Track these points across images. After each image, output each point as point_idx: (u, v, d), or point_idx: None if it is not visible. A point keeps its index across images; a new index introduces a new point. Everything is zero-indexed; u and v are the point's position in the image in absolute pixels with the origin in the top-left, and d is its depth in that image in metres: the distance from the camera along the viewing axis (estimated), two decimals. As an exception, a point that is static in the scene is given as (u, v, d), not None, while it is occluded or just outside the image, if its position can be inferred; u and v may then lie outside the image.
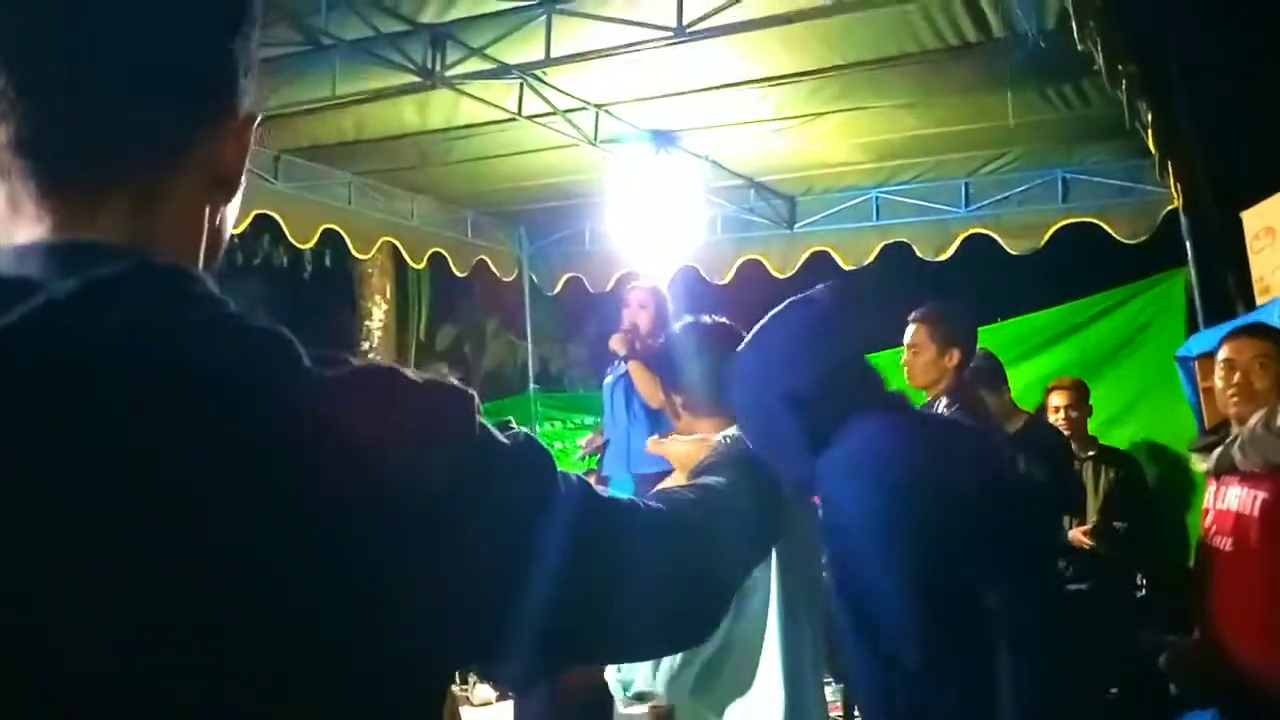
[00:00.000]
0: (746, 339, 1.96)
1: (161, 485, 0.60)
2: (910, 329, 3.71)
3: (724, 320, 2.24)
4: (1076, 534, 4.48)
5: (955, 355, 3.60)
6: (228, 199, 0.79)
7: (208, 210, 0.76)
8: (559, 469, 0.81)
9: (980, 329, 5.91)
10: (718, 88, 4.70)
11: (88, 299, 0.61)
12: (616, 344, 4.89)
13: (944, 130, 5.22)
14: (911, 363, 3.71)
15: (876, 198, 6.43)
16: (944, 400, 3.59)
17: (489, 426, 0.75)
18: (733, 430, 1.95)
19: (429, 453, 0.69)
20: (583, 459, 5.09)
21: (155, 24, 0.71)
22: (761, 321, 1.93)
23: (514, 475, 0.75)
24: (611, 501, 0.90)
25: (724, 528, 1.03)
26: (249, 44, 0.77)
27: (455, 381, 0.76)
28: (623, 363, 4.99)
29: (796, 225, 6.72)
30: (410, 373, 0.72)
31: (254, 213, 5.60)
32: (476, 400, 0.74)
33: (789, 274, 6.73)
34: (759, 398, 1.89)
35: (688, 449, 1.64)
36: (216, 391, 0.63)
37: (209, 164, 0.75)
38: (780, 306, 1.95)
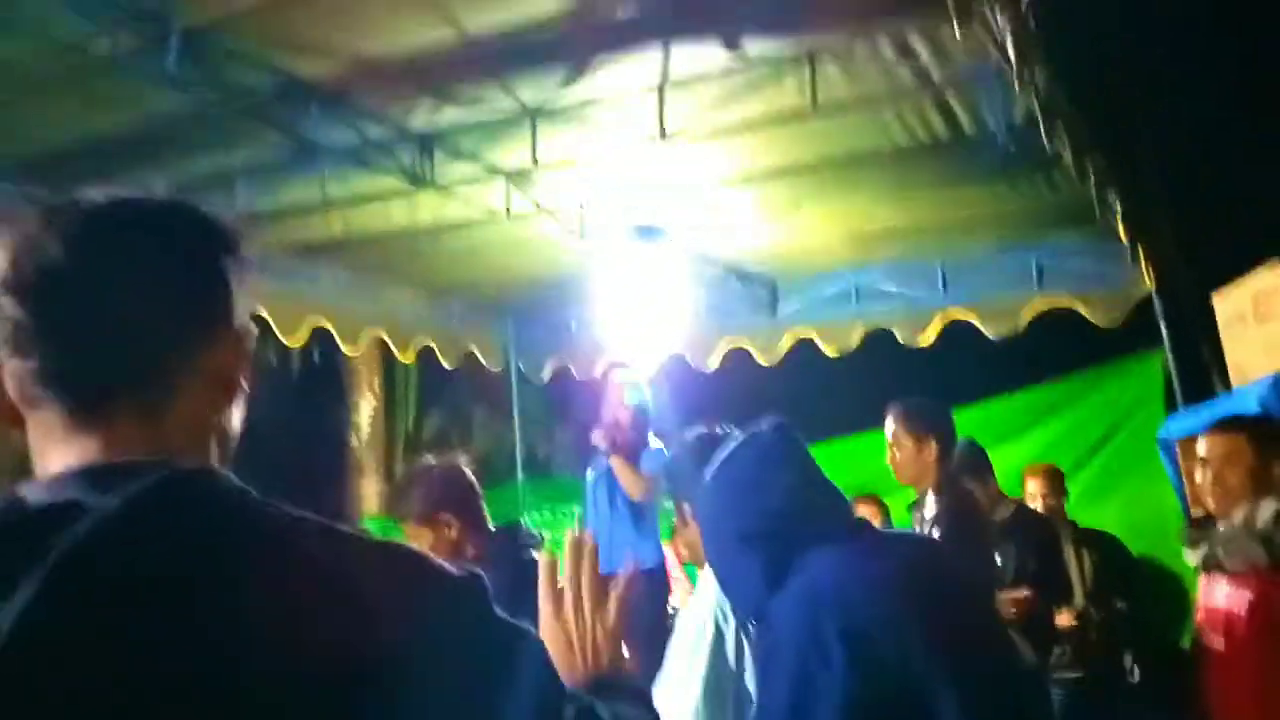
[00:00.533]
0: (717, 468, 2.01)
1: (230, 655, 0.71)
2: (887, 425, 3.79)
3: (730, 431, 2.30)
4: (1065, 619, 4.49)
5: (932, 446, 3.66)
6: (231, 400, 0.90)
7: (215, 412, 0.88)
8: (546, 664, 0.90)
9: (960, 409, 6.02)
10: (696, 185, 4.83)
11: (132, 513, 0.71)
12: (599, 439, 4.95)
13: (919, 219, 5.36)
14: (893, 459, 3.77)
15: (855, 285, 6.54)
16: (931, 497, 3.64)
17: (497, 615, 0.80)
18: None
19: (438, 627, 0.77)
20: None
21: (152, 268, 0.85)
22: (713, 462, 2.00)
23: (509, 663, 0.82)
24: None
25: None
26: (240, 266, 0.90)
27: (470, 571, 0.81)
28: (604, 457, 5.02)
29: (779, 312, 6.81)
30: (433, 558, 0.83)
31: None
32: (489, 589, 0.80)
33: (774, 363, 6.81)
34: (715, 538, 1.98)
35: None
36: (259, 572, 0.73)
37: (212, 372, 0.87)
38: (729, 448, 2.02)
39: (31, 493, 0.78)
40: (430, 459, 3.13)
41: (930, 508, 3.67)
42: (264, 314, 5.75)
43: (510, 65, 3.58)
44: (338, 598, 0.75)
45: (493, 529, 3.02)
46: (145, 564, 0.70)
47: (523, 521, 3.21)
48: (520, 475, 8.04)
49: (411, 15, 3.24)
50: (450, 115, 4.04)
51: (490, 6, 3.22)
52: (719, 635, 2.23)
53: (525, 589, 2.97)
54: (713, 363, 6.96)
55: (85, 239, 0.84)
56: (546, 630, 1.28)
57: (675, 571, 6.66)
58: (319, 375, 8.42)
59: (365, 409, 8.31)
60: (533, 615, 2.87)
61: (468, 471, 3.05)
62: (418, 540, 2.86)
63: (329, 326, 6.20)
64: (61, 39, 3.31)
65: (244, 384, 0.91)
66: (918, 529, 3.72)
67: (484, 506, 3.03)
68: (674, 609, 6.24)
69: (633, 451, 4.99)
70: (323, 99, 3.76)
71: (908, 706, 1.66)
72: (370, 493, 8.05)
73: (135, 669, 0.68)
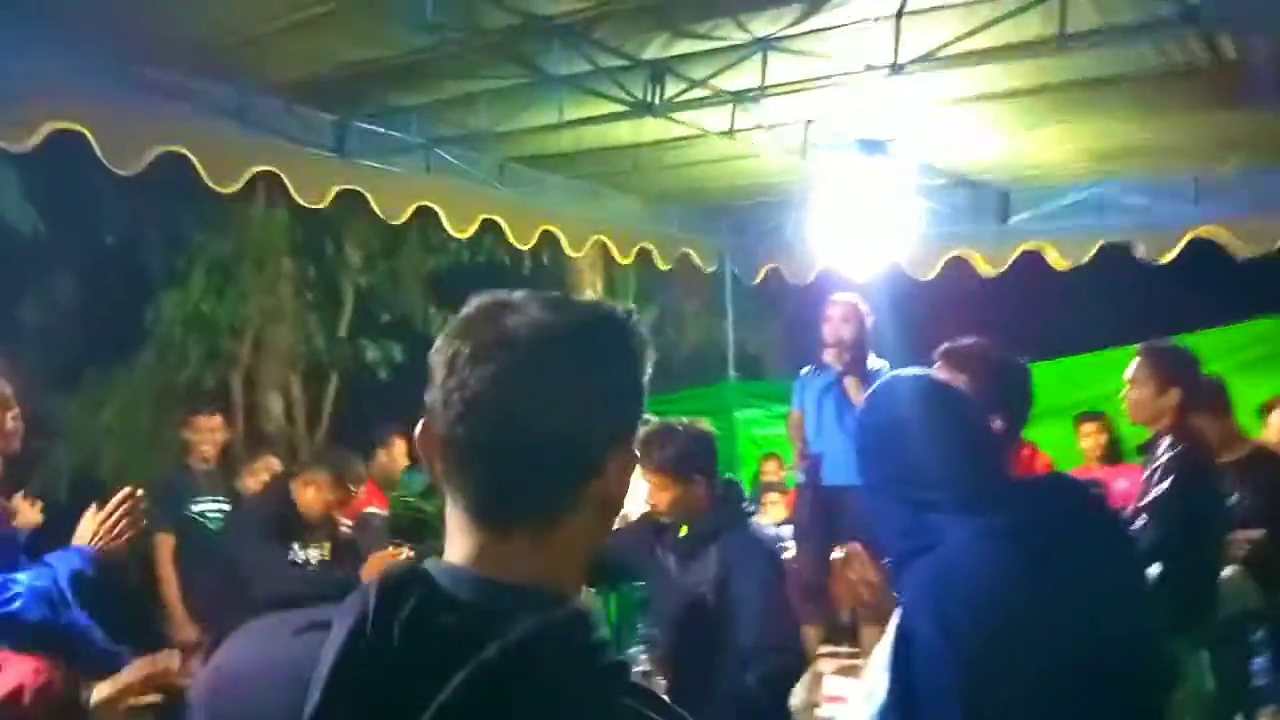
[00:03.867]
0: (861, 409, 2.02)
1: None
2: (1132, 363, 3.66)
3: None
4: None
5: (1174, 394, 3.54)
6: (614, 517, 0.95)
7: (598, 534, 0.94)
8: None
9: (1200, 334, 5.69)
10: (930, 104, 4.70)
11: (529, 650, 0.83)
12: (832, 358, 5.00)
13: (1168, 139, 5.02)
14: (1129, 397, 3.67)
15: (1096, 194, 6.21)
16: (1167, 441, 3.56)
17: None
18: None
19: None
20: (805, 478, 5.19)
21: (577, 393, 0.90)
22: (872, 389, 1.99)
23: None
24: None
25: None
26: (634, 397, 0.94)
27: None
28: (826, 374, 5.09)
29: (1009, 220, 6.57)
30: None
31: (480, 217, 6.02)
32: None
33: (999, 271, 6.61)
34: (866, 471, 1.99)
35: None
36: None
37: (600, 495, 0.92)
38: (887, 377, 1.98)
39: (444, 580, 0.87)
40: (680, 420, 3.33)
41: (1163, 454, 3.58)
42: (499, 220, 6.13)
43: (746, 2, 3.59)
44: None
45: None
46: (515, 702, 0.80)
47: (740, 484, 3.49)
48: (732, 373, 8.24)
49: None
50: (682, 46, 4.09)
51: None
52: None
53: (755, 547, 3.18)
54: (932, 273, 6.82)
55: (508, 362, 0.87)
56: None
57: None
58: (545, 274, 8.82)
59: (588, 308, 8.67)
60: (763, 572, 3.10)
61: (712, 434, 3.29)
62: (665, 490, 3.12)
63: (557, 231, 6.52)
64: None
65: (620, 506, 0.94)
66: (1146, 473, 3.65)
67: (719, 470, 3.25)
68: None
69: (861, 370, 5.02)
70: (564, 35, 3.90)
71: (1021, 698, 1.68)
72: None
73: None
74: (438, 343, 0.93)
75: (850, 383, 4.94)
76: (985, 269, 6.67)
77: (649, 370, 0.94)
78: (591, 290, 8.60)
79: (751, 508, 3.36)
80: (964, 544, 1.77)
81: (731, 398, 8.16)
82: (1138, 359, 3.66)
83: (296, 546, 4.17)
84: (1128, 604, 1.89)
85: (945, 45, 3.73)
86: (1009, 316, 8.20)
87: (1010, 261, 6.57)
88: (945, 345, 2.54)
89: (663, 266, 7.42)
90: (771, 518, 6.59)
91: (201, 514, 5.21)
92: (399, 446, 5.88)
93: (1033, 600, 1.74)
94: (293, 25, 3.96)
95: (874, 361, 5.12)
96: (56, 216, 6.82)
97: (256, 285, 7.75)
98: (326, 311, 8.45)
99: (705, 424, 3.32)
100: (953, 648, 1.71)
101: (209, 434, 5.31)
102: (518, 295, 0.94)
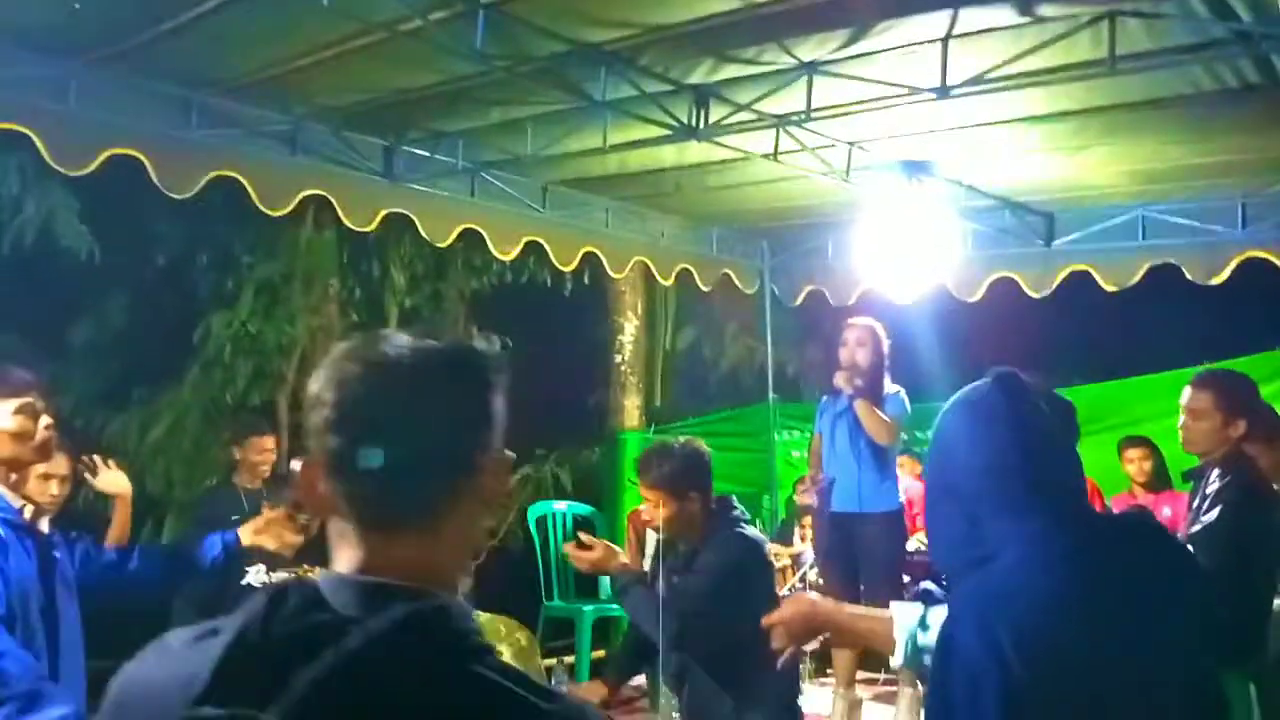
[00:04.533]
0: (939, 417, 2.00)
1: None
2: (1190, 392, 3.56)
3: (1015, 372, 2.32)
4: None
5: (1240, 426, 3.45)
6: (486, 512, 1.09)
7: (477, 529, 1.08)
8: None
9: (1252, 358, 5.59)
10: (976, 126, 4.69)
11: (389, 638, 0.94)
12: (842, 382, 4.96)
13: (1218, 159, 4.97)
14: (1190, 427, 3.55)
15: (1142, 216, 6.15)
16: (1217, 470, 3.49)
17: None
18: None
19: None
20: (808, 499, 5.18)
21: (438, 408, 1.04)
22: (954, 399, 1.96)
23: None
24: None
25: None
26: (493, 410, 1.08)
27: None
28: (844, 399, 5.06)
29: (1054, 242, 6.52)
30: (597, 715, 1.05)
31: (524, 239, 6.08)
32: None
33: (1044, 294, 6.56)
34: (929, 482, 2.00)
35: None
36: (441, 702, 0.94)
37: (472, 501, 1.06)
38: (959, 393, 1.96)
39: (327, 588, 1.00)
40: (676, 439, 3.47)
41: (1214, 483, 3.52)
42: (542, 241, 6.19)
43: (793, 27, 3.61)
44: None
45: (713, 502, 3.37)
46: (375, 685, 0.92)
47: (733, 498, 3.53)
48: (771, 395, 8.22)
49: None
50: (728, 71, 4.12)
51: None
52: None
53: (751, 561, 3.21)
54: (978, 294, 6.78)
55: (386, 380, 1.03)
56: None
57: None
58: (587, 295, 8.87)
59: (628, 329, 8.70)
60: (757, 587, 3.12)
61: (707, 452, 3.43)
62: (661, 506, 3.27)
63: (598, 252, 6.57)
64: (379, 16, 3.63)
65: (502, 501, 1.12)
66: (1194, 501, 3.59)
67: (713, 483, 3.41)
68: (922, 543, 6.31)
69: (875, 395, 4.99)
70: (610, 61, 3.94)
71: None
72: (632, 406, 8.48)
73: None
74: (316, 374, 1.06)
75: (861, 407, 4.90)
76: (1031, 291, 6.62)
77: (502, 390, 1.09)
78: (632, 311, 8.65)
79: (740, 514, 3.42)
80: (1015, 562, 1.75)
81: (770, 420, 8.14)
82: (1198, 389, 3.56)
83: None
84: (1185, 638, 1.85)
85: (994, 68, 3.72)
86: (1055, 338, 8.15)
87: (1056, 283, 6.51)
88: (993, 373, 2.51)
89: (703, 287, 7.44)
90: (809, 541, 6.57)
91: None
92: None
93: (1084, 623, 1.71)
94: (344, 54, 4.05)
95: (889, 386, 5.09)
96: (110, 238, 6.97)
97: (304, 306, 7.86)
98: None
99: (700, 443, 3.45)
100: (995, 661, 1.67)
101: (265, 454, 5.37)
102: (387, 331, 1.10)
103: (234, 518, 5.21)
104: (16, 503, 2.51)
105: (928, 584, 6.33)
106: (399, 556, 1.01)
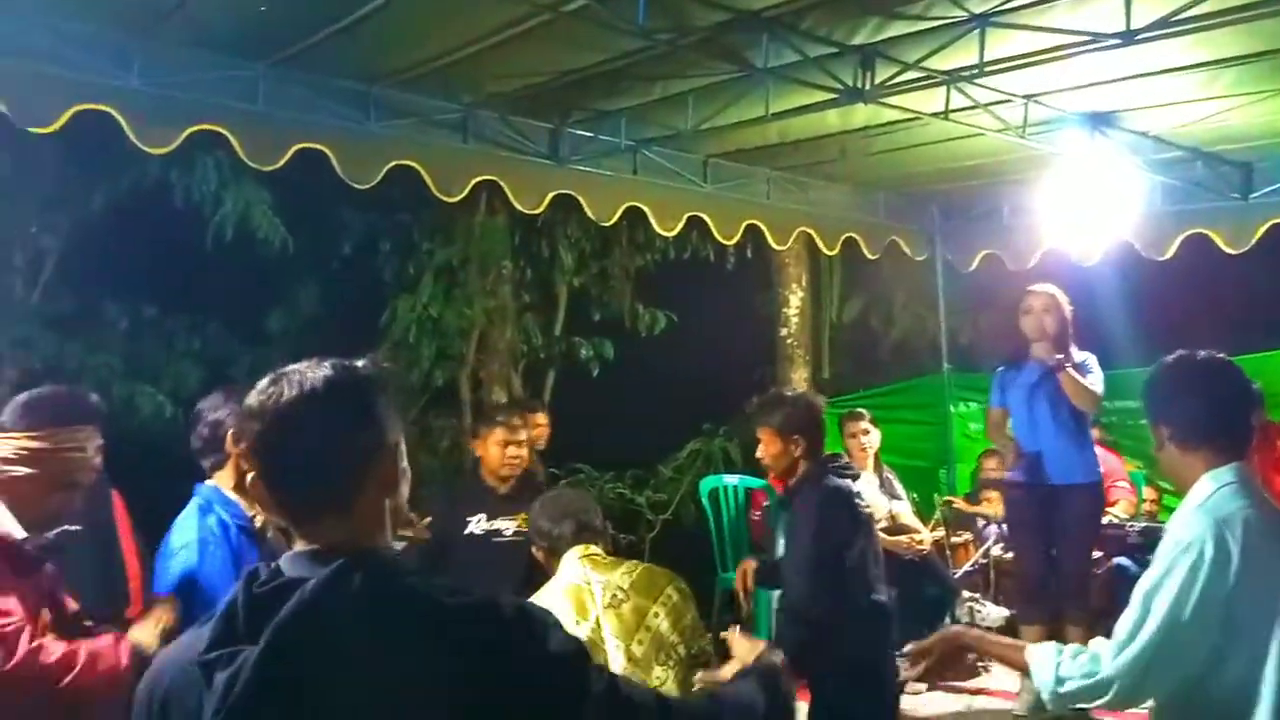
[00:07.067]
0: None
1: (394, 681, 1.23)
2: None
3: (1218, 355, 2.26)
4: None
5: None
6: (395, 493, 1.41)
7: (386, 503, 1.40)
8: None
9: None
10: (1161, 72, 4.40)
11: (325, 581, 1.26)
12: (1043, 352, 4.81)
13: None
14: None
15: (1354, 163, 5.64)
16: None
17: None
18: (1211, 474, 2.14)
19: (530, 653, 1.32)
20: (999, 474, 5.02)
21: (335, 420, 1.36)
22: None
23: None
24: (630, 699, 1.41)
25: None
26: (377, 415, 1.39)
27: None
28: (1033, 369, 4.87)
29: (1252, 194, 6.06)
30: (509, 606, 1.35)
31: (686, 214, 6.11)
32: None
33: (1242, 249, 6.11)
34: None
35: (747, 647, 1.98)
36: (396, 630, 1.26)
37: (379, 480, 1.39)
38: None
39: (286, 565, 1.33)
40: (793, 389, 3.74)
41: None
42: (704, 216, 6.19)
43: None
44: (444, 647, 1.26)
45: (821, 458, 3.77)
46: (329, 619, 1.23)
47: (844, 454, 3.97)
48: (946, 365, 7.98)
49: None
50: (894, 29, 4.01)
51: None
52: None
53: (832, 508, 3.56)
54: (1168, 252, 6.37)
55: (294, 402, 1.34)
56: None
57: (1122, 481, 6.38)
58: (750, 268, 8.83)
59: (793, 301, 8.61)
60: (834, 530, 3.33)
61: (818, 405, 3.92)
62: (769, 445, 3.74)
63: (761, 225, 6.52)
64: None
65: (402, 480, 1.43)
66: None
67: (824, 439, 3.88)
68: (1124, 518, 6.02)
69: (1073, 363, 4.82)
70: (772, 28, 3.89)
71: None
72: (799, 380, 8.40)
73: (324, 697, 1.21)
74: (248, 401, 1.38)
75: (1066, 377, 4.74)
76: (1227, 247, 6.17)
77: (385, 398, 1.42)
78: (796, 283, 8.55)
79: (840, 468, 3.77)
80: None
81: (945, 391, 7.90)
82: None
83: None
84: None
85: (1182, 9, 3.47)
86: (1253, 297, 7.57)
87: (1255, 239, 6.05)
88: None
89: (870, 256, 7.29)
90: (993, 513, 6.37)
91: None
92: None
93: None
94: (510, 39, 4.15)
95: (1077, 353, 4.89)
96: (300, 229, 7.39)
97: (480, 288, 8.12)
98: (543, 312, 8.77)
99: (815, 397, 4.05)
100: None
101: (539, 429, 5.56)
102: (293, 366, 1.39)
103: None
104: (249, 510, 2.62)
105: (1123, 560, 6.12)
106: (328, 534, 1.35)
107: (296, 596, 1.23)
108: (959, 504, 6.74)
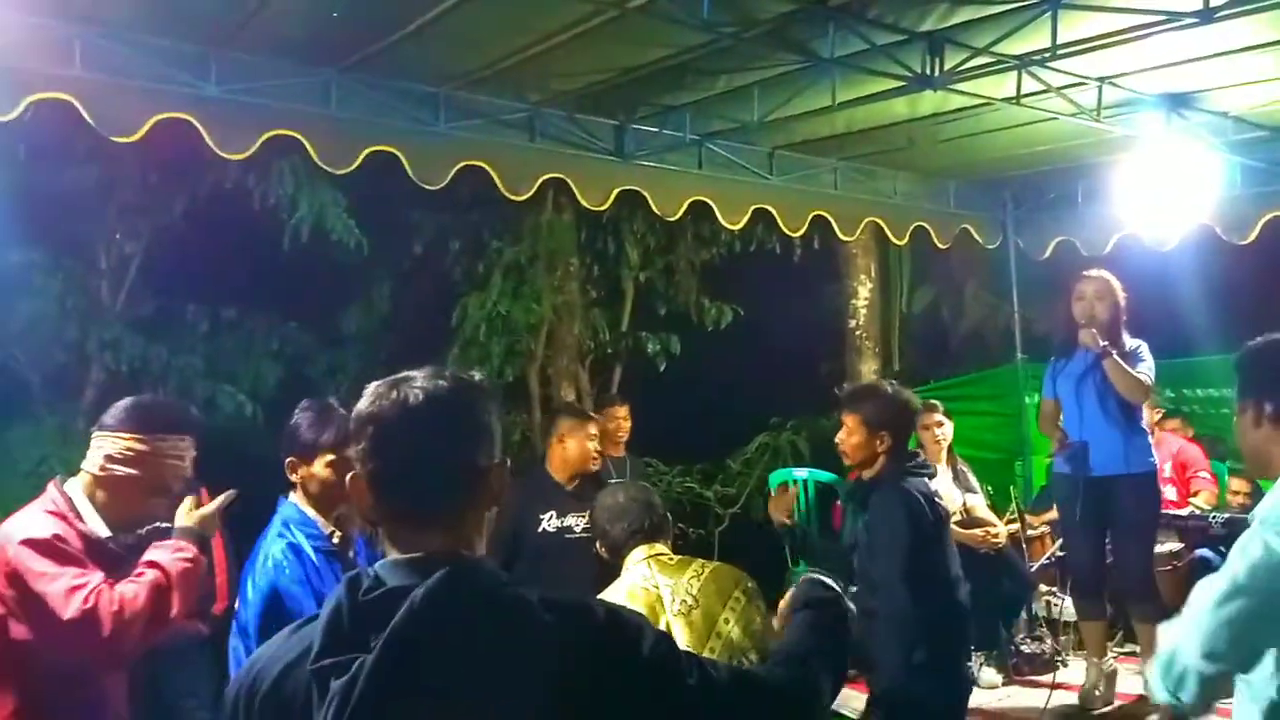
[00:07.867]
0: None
1: (494, 686, 1.25)
2: None
3: None
4: None
5: None
6: (494, 502, 1.43)
7: (486, 516, 1.43)
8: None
9: None
10: (1240, 50, 4.27)
11: (435, 590, 1.26)
12: (1089, 339, 4.67)
13: None
14: None
15: None
16: None
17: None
18: None
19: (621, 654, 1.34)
20: (1069, 468, 4.88)
21: (443, 457, 1.38)
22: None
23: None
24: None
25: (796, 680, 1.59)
26: (490, 428, 1.42)
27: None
28: (1082, 359, 4.75)
29: (1338, 177, 5.85)
30: (602, 611, 1.38)
31: (751, 207, 6.09)
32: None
33: (1329, 234, 5.91)
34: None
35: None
36: (504, 638, 1.27)
37: (486, 495, 1.41)
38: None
39: (385, 572, 1.33)
40: (891, 382, 3.69)
41: None
42: (769, 208, 6.17)
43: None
44: (549, 654, 1.26)
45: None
46: (441, 628, 1.23)
47: (920, 456, 3.72)
48: (1019, 355, 7.84)
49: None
50: (963, 14, 3.95)
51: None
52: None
53: (912, 513, 3.41)
54: (1250, 236, 6.18)
55: (419, 409, 1.35)
56: None
57: (1203, 471, 6.21)
58: (817, 260, 8.77)
59: (862, 292, 8.54)
60: (914, 535, 3.33)
61: (913, 404, 3.71)
62: (853, 435, 3.51)
63: (828, 216, 6.47)
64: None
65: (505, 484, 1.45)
66: None
67: (909, 439, 3.67)
68: (1205, 509, 5.86)
69: (1121, 351, 4.68)
70: (838, 17, 3.87)
71: None
72: (869, 372, 8.33)
73: (440, 704, 1.22)
74: (359, 406, 1.40)
75: (1112, 364, 4.60)
76: (1313, 229, 5.97)
77: (496, 411, 1.44)
78: (865, 274, 8.47)
79: (917, 467, 3.57)
80: None
81: (1019, 382, 7.76)
82: None
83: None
84: None
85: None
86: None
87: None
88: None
89: (940, 245, 7.19)
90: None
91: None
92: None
93: None
94: (575, 38, 4.19)
95: (1129, 341, 4.75)
96: (373, 230, 7.54)
97: (548, 285, 8.21)
98: (609, 307, 8.83)
99: (910, 394, 3.72)
100: None
101: (619, 422, 5.69)
102: (409, 372, 1.40)
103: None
104: (326, 529, 2.64)
105: (1205, 551, 5.95)
106: (429, 541, 1.35)
107: (407, 605, 1.23)
108: (1029, 518, 6.57)
